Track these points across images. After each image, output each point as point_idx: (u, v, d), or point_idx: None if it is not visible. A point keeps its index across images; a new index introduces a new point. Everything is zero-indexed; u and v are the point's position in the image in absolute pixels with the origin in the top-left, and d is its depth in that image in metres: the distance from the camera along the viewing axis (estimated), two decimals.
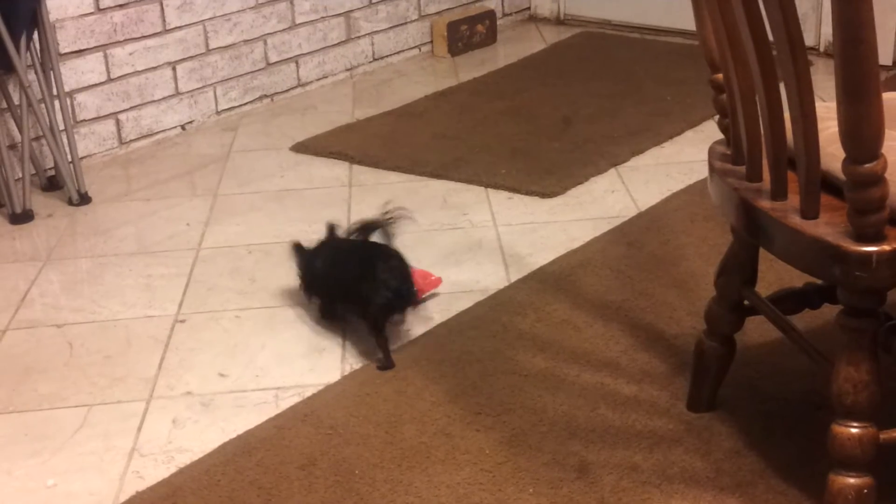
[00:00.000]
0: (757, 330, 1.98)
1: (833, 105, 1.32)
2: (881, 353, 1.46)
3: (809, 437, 1.74)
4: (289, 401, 1.95)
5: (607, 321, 2.14)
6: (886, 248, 1.33)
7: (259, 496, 1.70)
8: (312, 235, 2.59)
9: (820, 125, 1.38)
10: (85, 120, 3.08)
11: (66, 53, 2.99)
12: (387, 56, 3.89)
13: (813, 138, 1.37)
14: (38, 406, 1.99)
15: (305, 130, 3.27)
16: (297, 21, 3.58)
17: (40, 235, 2.71)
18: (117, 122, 3.16)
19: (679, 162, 2.92)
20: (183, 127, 3.33)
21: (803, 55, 1.33)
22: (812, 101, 1.36)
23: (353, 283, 2.04)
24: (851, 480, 1.44)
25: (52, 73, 2.85)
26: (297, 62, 3.61)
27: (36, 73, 2.83)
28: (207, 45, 3.34)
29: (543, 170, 2.89)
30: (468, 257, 2.46)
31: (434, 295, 2.28)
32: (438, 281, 2.28)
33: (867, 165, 1.28)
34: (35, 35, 2.82)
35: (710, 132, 3.08)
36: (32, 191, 2.86)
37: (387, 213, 2.12)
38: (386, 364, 2.02)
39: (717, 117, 1.67)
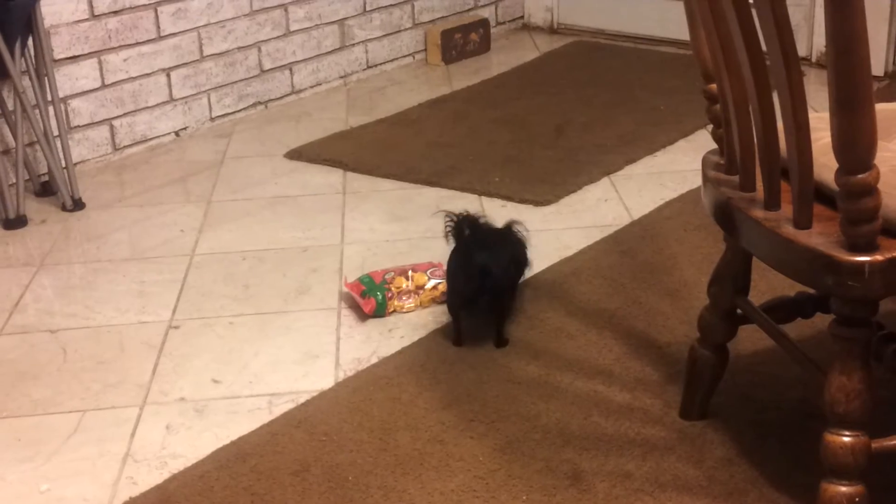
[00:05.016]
0: (750, 339, 1.99)
1: (826, 116, 1.34)
2: (873, 363, 1.47)
3: (802, 446, 1.75)
4: (282, 407, 1.96)
5: (600, 329, 2.15)
6: (879, 258, 1.34)
7: (253, 502, 1.70)
8: (306, 242, 2.61)
9: (813, 136, 1.39)
10: (79, 126, 3.08)
11: (60, 59, 2.99)
12: (381, 64, 3.90)
13: (806, 149, 1.38)
14: (32, 411, 1.99)
15: (299, 137, 3.28)
16: (292, 28, 3.58)
17: (34, 241, 2.70)
18: (111, 128, 3.16)
19: (672, 171, 2.94)
20: (177, 133, 3.33)
21: (797, 66, 1.34)
22: (805, 112, 1.37)
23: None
24: (843, 489, 1.45)
25: (46, 78, 2.85)
26: (291, 69, 3.61)
27: (30, 78, 2.83)
28: (202, 51, 3.34)
29: (537, 178, 2.90)
30: None
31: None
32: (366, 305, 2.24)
33: (860, 176, 1.29)
34: (29, 41, 2.82)
35: (702, 141, 3.09)
36: (26, 196, 2.86)
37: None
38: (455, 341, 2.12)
39: (710, 127, 1.68)
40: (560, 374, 2.01)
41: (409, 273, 2.29)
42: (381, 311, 2.23)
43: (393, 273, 2.29)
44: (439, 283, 2.28)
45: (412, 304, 2.26)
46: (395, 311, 2.25)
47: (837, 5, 1.21)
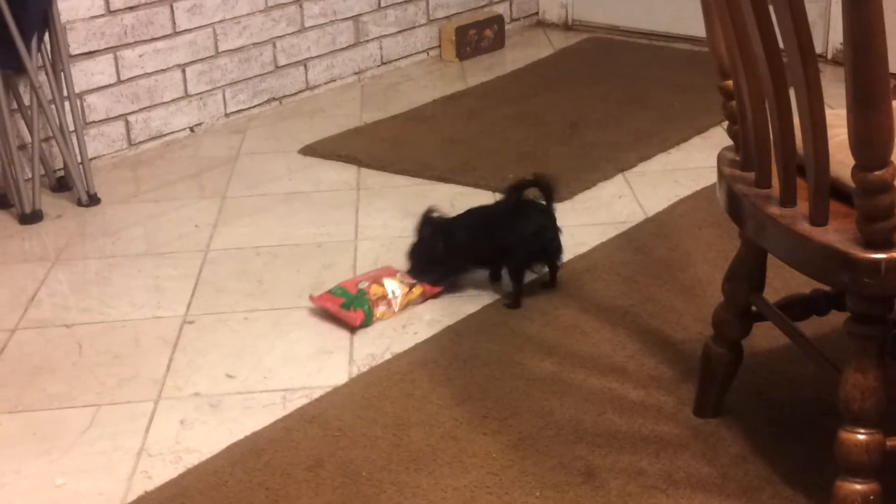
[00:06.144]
0: (764, 336, 1.98)
1: (842, 112, 1.33)
2: (888, 360, 1.46)
3: (816, 444, 1.74)
4: (296, 402, 1.96)
5: (614, 326, 2.15)
6: (895, 255, 1.34)
7: (267, 497, 1.71)
8: (320, 238, 2.62)
9: (829, 132, 1.38)
10: (94, 121, 3.09)
11: (76, 55, 3.00)
12: (395, 60, 3.90)
13: (823, 145, 1.38)
14: (47, 406, 2.00)
15: (313, 133, 3.28)
16: (307, 24, 3.59)
17: (49, 236, 2.72)
18: (127, 123, 3.17)
19: (686, 168, 2.93)
20: (192, 129, 3.34)
21: (814, 62, 1.34)
22: (822, 109, 1.36)
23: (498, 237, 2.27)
24: (858, 487, 1.45)
25: (62, 74, 2.86)
26: (305, 65, 3.62)
27: (46, 74, 2.84)
28: (217, 47, 3.35)
29: (551, 174, 2.89)
30: None
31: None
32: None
33: (877, 173, 1.29)
34: (46, 36, 2.83)
35: (717, 138, 3.08)
36: (42, 191, 2.87)
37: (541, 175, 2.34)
38: (512, 304, 2.25)
39: (725, 123, 1.68)
40: (574, 370, 2.01)
41: (383, 280, 2.25)
42: (368, 322, 2.19)
43: (367, 282, 2.24)
44: (413, 285, 2.25)
45: (393, 311, 2.22)
46: (378, 319, 2.21)
47: (855, 2, 1.21)
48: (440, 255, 2.29)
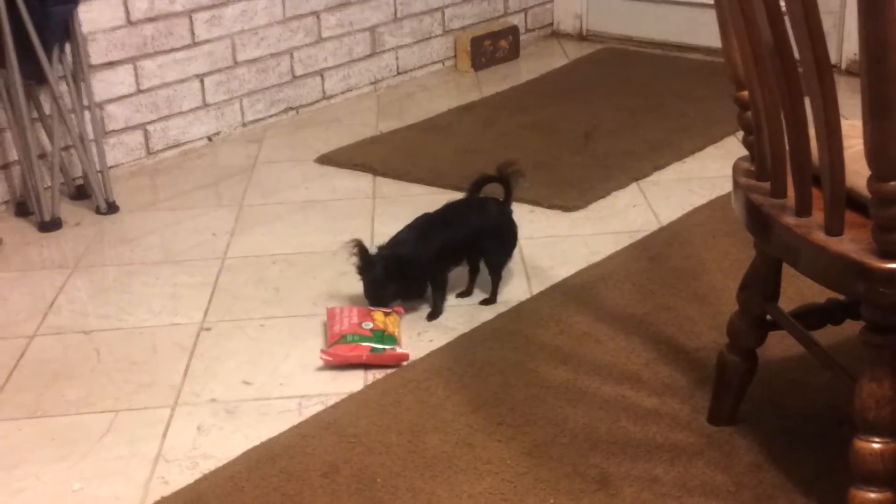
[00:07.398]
0: (779, 345, 1.98)
1: (857, 123, 1.34)
2: None
3: (831, 452, 1.74)
4: (312, 409, 1.97)
5: (629, 334, 2.15)
6: None
7: (282, 503, 1.72)
8: (336, 246, 2.63)
9: (844, 143, 1.39)
10: (114, 130, 3.12)
11: (96, 65, 3.03)
12: (411, 70, 3.92)
13: (838, 156, 1.38)
14: (66, 411, 2.01)
15: (330, 143, 3.30)
16: (324, 35, 3.61)
17: (68, 243, 2.74)
18: (145, 132, 3.20)
19: (701, 177, 2.93)
20: (209, 138, 3.37)
21: (829, 73, 1.34)
22: (838, 119, 1.37)
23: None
24: (872, 496, 1.45)
25: (82, 84, 2.89)
26: (322, 75, 3.64)
27: (67, 83, 2.87)
28: (235, 58, 3.38)
29: (565, 184, 2.91)
30: None
31: None
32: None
33: (892, 183, 1.29)
34: (67, 47, 2.86)
35: (731, 148, 3.09)
36: (61, 199, 2.90)
37: (506, 166, 2.36)
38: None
39: (739, 133, 1.68)
40: (588, 378, 2.01)
41: (371, 313, 2.19)
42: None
43: (369, 321, 2.15)
44: (389, 313, 2.21)
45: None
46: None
47: (871, 14, 1.21)
48: (410, 278, 2.26)
